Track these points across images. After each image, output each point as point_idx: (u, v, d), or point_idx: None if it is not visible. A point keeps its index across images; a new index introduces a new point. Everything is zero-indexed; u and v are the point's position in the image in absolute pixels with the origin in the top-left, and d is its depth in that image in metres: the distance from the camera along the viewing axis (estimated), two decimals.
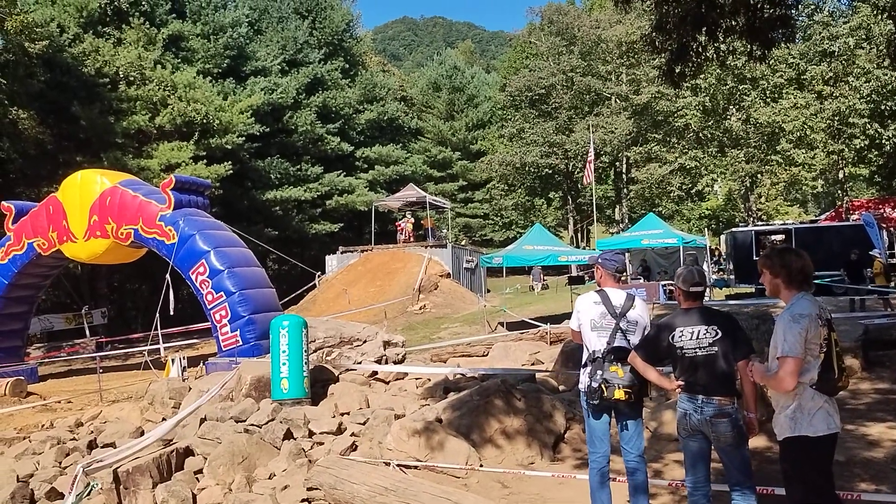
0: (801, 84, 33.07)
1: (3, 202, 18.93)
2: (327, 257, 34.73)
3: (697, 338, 4.24)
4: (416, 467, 6.85)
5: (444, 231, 39.88)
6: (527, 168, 46.20)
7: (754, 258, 22.48)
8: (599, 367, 4.59)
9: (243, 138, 36.10)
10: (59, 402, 14.24)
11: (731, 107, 34.38)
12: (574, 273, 35.86)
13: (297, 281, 32.29)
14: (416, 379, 10.58)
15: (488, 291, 31.90)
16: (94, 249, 17.27)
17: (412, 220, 36.58)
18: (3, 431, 11.25)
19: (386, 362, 11.06)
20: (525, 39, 55.52)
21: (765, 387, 7.85)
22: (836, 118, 30.98)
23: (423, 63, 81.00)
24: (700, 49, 9.42)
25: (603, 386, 4.54)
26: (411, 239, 35.22)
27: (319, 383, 9.54)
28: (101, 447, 8.62)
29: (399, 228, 36.14)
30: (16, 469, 8.14)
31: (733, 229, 26.92)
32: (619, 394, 4.52)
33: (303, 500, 6.32)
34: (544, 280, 37.15)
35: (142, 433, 8.84)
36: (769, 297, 4.02)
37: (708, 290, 22.32)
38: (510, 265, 24.30)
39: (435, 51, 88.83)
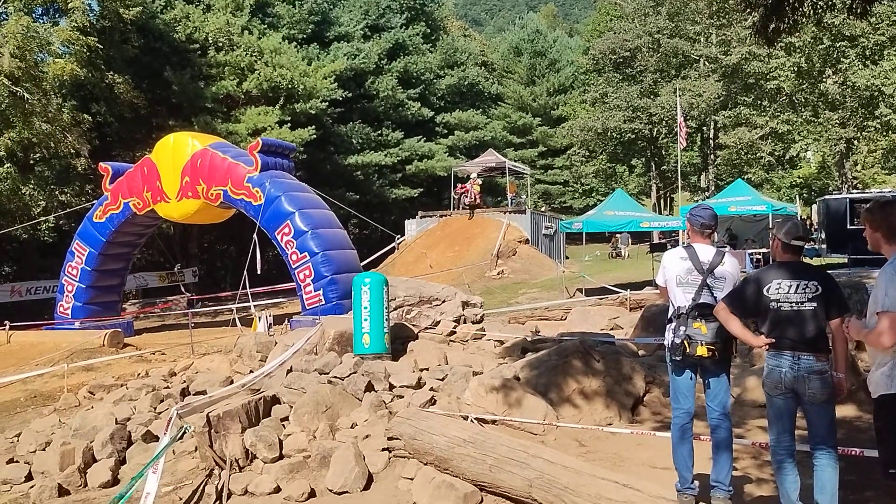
0: None
1: (100, 163, 19.80)
2: (406, 222, 35.03)
3: (794, 292, 4.10)
4: (493, 422, 6.94)
5: (524, 197, 39.55)
6: (609, 133, 45.24)
7: (848, 227, 21.53)
8: (683, 323, 4.52)
9: (326, 103, 36.63)
10: (154, 353, 14.96)
11: (828, 68, 32.73)
12: (656, 240, 35.17)
13: (377, 245, 32.77)
14: (494, 339, 10.65)
15: (567, 258, 31.67)
16: (185, 209, 17.91)
17: (479, 181, 33.87)
18: (102, 379, 11.93)
19: (464, 322, 11.15)
20: (610, 1, 54.00)
21: (856, 355, 7.58)
22: None
23: (505, 27, 79.93)
24: (796, 4, 8.99)
25: (686, 342, 4.48)
26: (478, 200, 32.96)
27: (399, 340, 9.72)
28: (193, 395, 9.04)
29: (464, 190, 33.45)
30: (114, 413, 8.66)
31: (826, 197, 25.80)
32: (702, 350, 4.44)
33: (383, 449, 6.51)
34: (630, 244, 36.71)
35: (231, 383, 9.23)
36: (871, 249, 3.85)
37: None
38: (590, 231, 24.01)
39: (517, 15, 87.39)
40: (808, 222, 33.42)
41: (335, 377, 8.25)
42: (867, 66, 31.02)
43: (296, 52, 36.93)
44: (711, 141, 44.58)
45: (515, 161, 42.69)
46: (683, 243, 5.02)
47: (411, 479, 5.99)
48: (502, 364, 8.78)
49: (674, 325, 4.60)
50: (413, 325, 10.53)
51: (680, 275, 4.65)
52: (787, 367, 4.10)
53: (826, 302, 4.10)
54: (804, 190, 48.93)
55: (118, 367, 13.55)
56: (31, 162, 28.09)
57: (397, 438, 6.41)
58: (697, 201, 39.10)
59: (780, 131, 34.83)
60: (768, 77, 34.17)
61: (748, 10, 9.85)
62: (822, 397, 4.08)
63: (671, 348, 4.60)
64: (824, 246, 23.82)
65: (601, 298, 17.58)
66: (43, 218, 26.05)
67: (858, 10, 9.02)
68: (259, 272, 16.89)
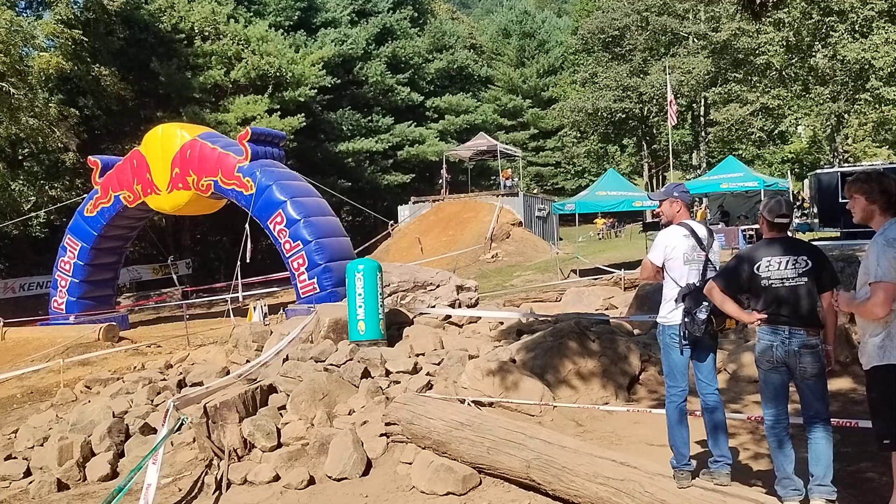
0: (892, 17, 31.05)
1: (89, 157, 19.68)
2: (399, 207, 35.00)
3: (786, 268, 4.11)
4: (490, 405, 6.96)
5: (516, 180, 39.56)
6: (599, 114, 45.08)
7: (840, 201, 21.59)
8: (704, 298, 4.47)
9: (315, 90, 36.46)
10: (149, 346, 14.94)
11: (817, 42, 32.65)
12: (649, 219, 35.23)
13: (370, 231, 32.80)
14: (489, 322, 10.66)
15: (560, 239, 31.72)
16: (176, 201, 17.81)
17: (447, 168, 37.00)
18: (99, 373, 11.93)
19: (459, 306, 11.17)
20: None
21: (850, 327, 7.62)
22: None
23: (493, 9, 79.48)
24: None
25: (712, 317, 4.47)
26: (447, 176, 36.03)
27: (395, 326, 9.71)
28: (190, 386, 9.04)
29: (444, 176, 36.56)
30: (112, 406, 8.67)
31: (818, 171, 25.83)
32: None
33: (381, 435, 6.53)
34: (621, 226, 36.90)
35: (227, 373, 9.23)
36: (858, 222, 3.85)
37: (790, 232, 21.61)
38: (583, 212, 24.01)
39: None
40: (799, 197, 33.51)
41: (331, 365, 8.25)
42: (856, 39, 30.94)
43: (283, 39, 36.70)
44: (702, 118, 44.53)
45: (507, 144, 42.59)
46: (671, 222, 4.95)
47: (410, 464, 6.01)
48: (498, 347, 8.79)
49: (688, 303, 4.54)
50: (408, 311, 10.53)
51: (686, 252, 4.63)
52: (778, 342, 4.12)
53: (817, 276, 4.12)
54: (796, 165, 48.96)
55: (114, 360, 13.55)
56: (20, 157, 27.95)
57: (395, 424, 6.42)
58: (689, 179, 39.13)
59: (770, 107, 34.79)
60: (758, 53, 34.08)
61: None
62: (812, 372, 4.09)
63: (690, 325, 4.49)
64: (817, 220, 23.90)
65: (595, 279, 17.62)
66: (33, 213, 25.94)
67: None
68: (248, 260, 16.78)
